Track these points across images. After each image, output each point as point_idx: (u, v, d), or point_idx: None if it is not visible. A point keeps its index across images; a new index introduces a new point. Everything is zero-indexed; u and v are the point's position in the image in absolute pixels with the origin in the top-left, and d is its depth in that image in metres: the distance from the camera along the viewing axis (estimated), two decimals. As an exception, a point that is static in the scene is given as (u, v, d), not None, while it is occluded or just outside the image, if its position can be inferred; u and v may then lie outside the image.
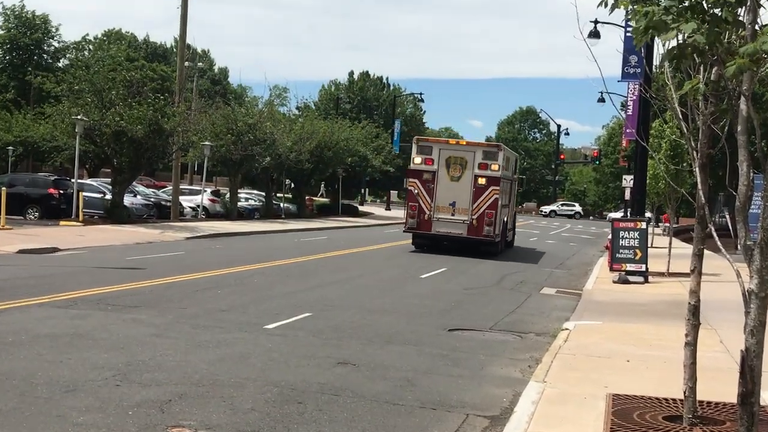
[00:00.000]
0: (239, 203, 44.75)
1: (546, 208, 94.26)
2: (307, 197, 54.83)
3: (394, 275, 20.96)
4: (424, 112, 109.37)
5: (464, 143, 28.90)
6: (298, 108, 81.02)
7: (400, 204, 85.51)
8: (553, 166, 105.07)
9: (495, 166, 27.10)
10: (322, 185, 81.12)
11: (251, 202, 48.01)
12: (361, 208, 64.77)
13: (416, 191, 27.43)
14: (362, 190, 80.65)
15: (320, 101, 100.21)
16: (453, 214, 27.27)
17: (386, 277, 20.35)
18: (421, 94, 79.66)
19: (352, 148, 53.24)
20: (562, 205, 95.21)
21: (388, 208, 71.05)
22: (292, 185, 54.20)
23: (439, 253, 28.52)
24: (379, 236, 37.49)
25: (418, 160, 27.70)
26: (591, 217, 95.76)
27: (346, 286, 17.90)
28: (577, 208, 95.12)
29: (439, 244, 28.20)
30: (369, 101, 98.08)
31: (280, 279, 18.39)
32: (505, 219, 29.93)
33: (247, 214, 44.42)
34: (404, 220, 28.74)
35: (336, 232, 39.88)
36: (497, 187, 27.10)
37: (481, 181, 27.03)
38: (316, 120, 53.91)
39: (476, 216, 27.09)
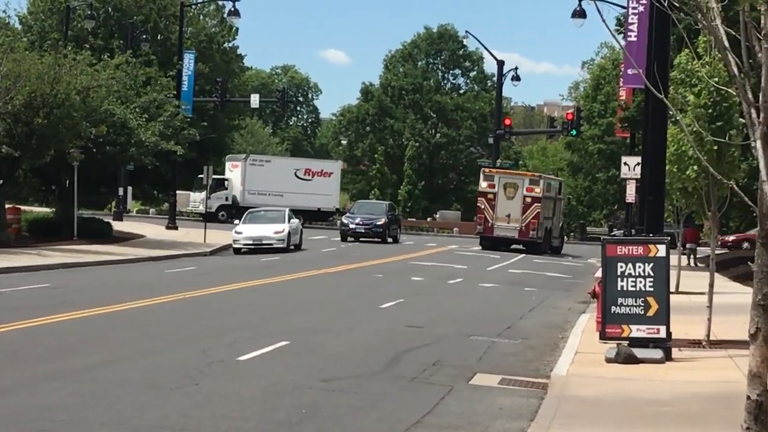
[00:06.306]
0: None
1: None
2: (8, 207, 53.82)
3: (181, 359, 20.96)
4: (237, 31, 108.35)
5: (516, 173, 77.07)
6: (-12, 29, 79.73)
7: (195, 220, 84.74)
8: (490, 140, 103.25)
9: (538, 189, 68.65)
10: None
11: None
12: (118, 225, 64.13)
13: (483, 206, 68.93)
14: (121, 191, 79.95)
15: (33, 15, 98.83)
16: (508, 222, 68.25)
17: (165, 363, 20.36)
18: (234, 0, 78.78)
19: (100, 107, 52.65)
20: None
21: (172, 224, 70.38)
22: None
23: (277, 314, 29.29)
24: (154, 282, 37.54)
25: (484, 184, 69.66)
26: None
27: (73, 386, 17.70)
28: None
29: (498, 245, 69.06)
30: (128, 15, 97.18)
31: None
32: (548, 227, 71.28)
33: None
34: (474, 227, 76.54)
35: (66, 274, 39.61)
36: (539, 204, 68.19)
37: (528, 199, 67.87)
38: (27, 52, 53.04)
39: (525, 224, 67.93)
